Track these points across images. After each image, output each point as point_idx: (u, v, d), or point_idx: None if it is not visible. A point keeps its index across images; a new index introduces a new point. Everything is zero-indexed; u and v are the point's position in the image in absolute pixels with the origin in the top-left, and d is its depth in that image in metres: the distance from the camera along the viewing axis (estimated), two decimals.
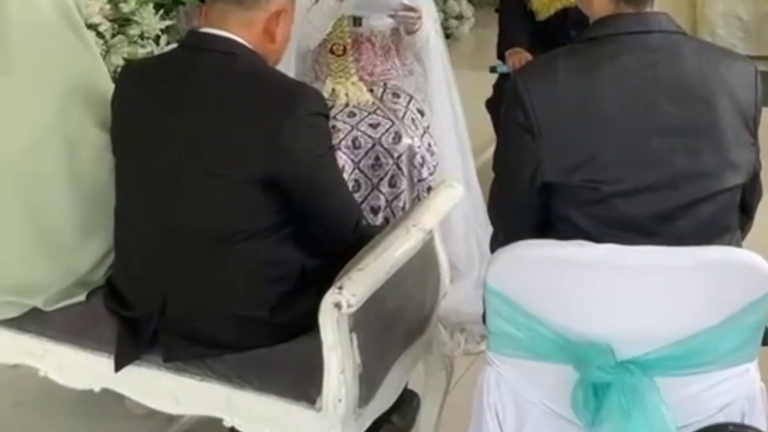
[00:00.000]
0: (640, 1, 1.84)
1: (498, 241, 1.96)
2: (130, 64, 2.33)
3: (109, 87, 2.24)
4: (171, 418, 2.65)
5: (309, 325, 2.00)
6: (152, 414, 2.59)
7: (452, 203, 2.32)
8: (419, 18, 3.02)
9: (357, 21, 3.03)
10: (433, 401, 2.45)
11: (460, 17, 5.59)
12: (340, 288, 1.91)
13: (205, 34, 2.09)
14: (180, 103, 2.05)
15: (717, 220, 1.85)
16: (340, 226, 2.16)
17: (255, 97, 2.01)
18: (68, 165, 2.20)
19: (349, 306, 1.90)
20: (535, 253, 1.77)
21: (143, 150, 2.11)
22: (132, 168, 2.15)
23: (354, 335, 1.98)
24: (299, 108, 2.01)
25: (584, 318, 1.77)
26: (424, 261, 2.24)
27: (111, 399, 2.58)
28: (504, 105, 1.88)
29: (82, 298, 2.26)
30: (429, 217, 2.19)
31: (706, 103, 1.81)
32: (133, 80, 2.19)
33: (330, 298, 1.91)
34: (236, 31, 2.06)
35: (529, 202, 1.88)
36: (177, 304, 2.08)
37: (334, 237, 2.15)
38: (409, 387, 2.51)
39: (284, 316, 2.09)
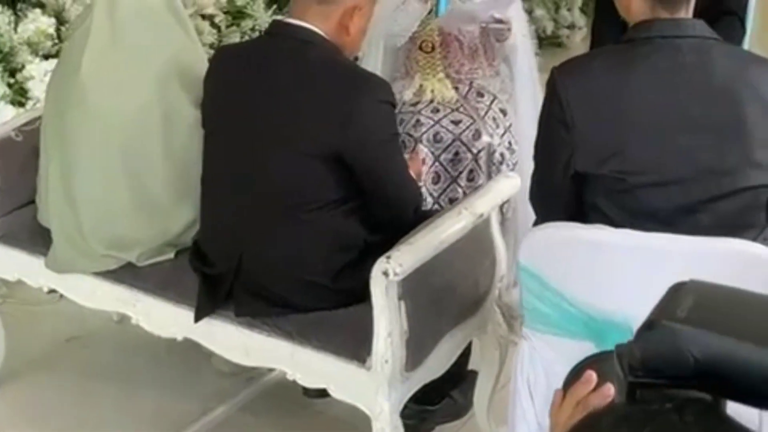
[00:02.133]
0: (675, 7, 1.94)
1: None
2: (223, 47, 2.59)
3: (205, 70, 2.46)
4: (250, 380, 2.89)
5: (367, 293, 2.16)
6: (235, 374, 2.84)
7: (509, 192, 2.48)
8: (509, 30, 3.14)
9: None
10: (487, 379, 2.57)
11: (572, 27, 5.67)
12: (389, 257, 2.09)
13: (287, 24, 2.31)
14: (261, 84, 2.27)
15: (738, 218, 1.93)
16: (400, 207, 2.34)
17: (327, 82, 2.22)
18: (164, 136, 2.44)
19: (395, 274, 2.08)
20: (560, 234, 1.93)
21: (227, 124, 2.34)
22: (217, 140, 2.38)
23: (402, 303, 2.15)
24: (367, 95, 2.21)
25: (606, 298, 1.88)
26: (477, 243, 2.40)
27: (199, 356, 2.83)
28: (543, 99, 2.04)
29: (170, 255, 2.50)
30: (482, 202, 2.35)
31: (733, 104, 1.91)
32: (223, 61, 2.44)
33: (379, 266, 2.09)
34: (314, 22, 2.26)
35: (562, 190, 2.02)
36: (251, 264, 2.30)
37: (393, 216, 2.33)
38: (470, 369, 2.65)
39: (345, 283, 2.28)
